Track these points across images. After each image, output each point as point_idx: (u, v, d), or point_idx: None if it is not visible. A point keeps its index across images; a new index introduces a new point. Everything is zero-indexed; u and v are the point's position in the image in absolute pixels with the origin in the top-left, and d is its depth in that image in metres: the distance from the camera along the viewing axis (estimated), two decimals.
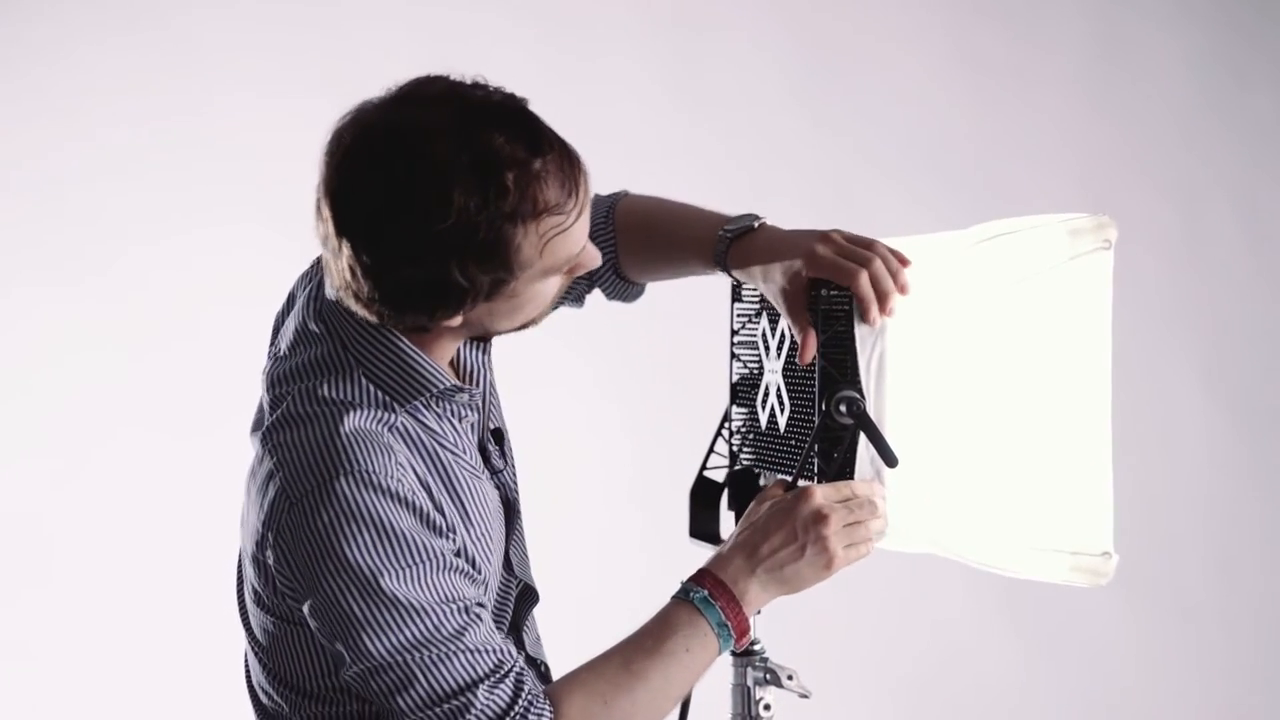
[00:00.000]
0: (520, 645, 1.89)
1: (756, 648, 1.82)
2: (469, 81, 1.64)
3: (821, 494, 1.68)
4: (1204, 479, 4.27)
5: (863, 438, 1.69)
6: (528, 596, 1.89)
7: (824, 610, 3.73)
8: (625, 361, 3.66)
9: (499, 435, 1.86)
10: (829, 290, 1.71)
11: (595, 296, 2.02)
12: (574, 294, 1.97)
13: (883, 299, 1.68)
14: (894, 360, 1.71)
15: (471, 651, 1.61)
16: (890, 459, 1.68)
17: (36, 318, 3.43)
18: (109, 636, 3.45)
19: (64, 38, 3.46)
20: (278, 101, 3.55)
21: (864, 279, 1.67)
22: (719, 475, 1.91)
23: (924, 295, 1.73)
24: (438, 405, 1.72)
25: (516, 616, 1.88)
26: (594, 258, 1.70)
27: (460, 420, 1.76)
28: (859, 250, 1.70)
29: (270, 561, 1.65)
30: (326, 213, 1.62)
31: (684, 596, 1.69)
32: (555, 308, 1.97)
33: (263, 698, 1.79)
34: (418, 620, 1.60)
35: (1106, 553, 1.81)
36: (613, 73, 3.79)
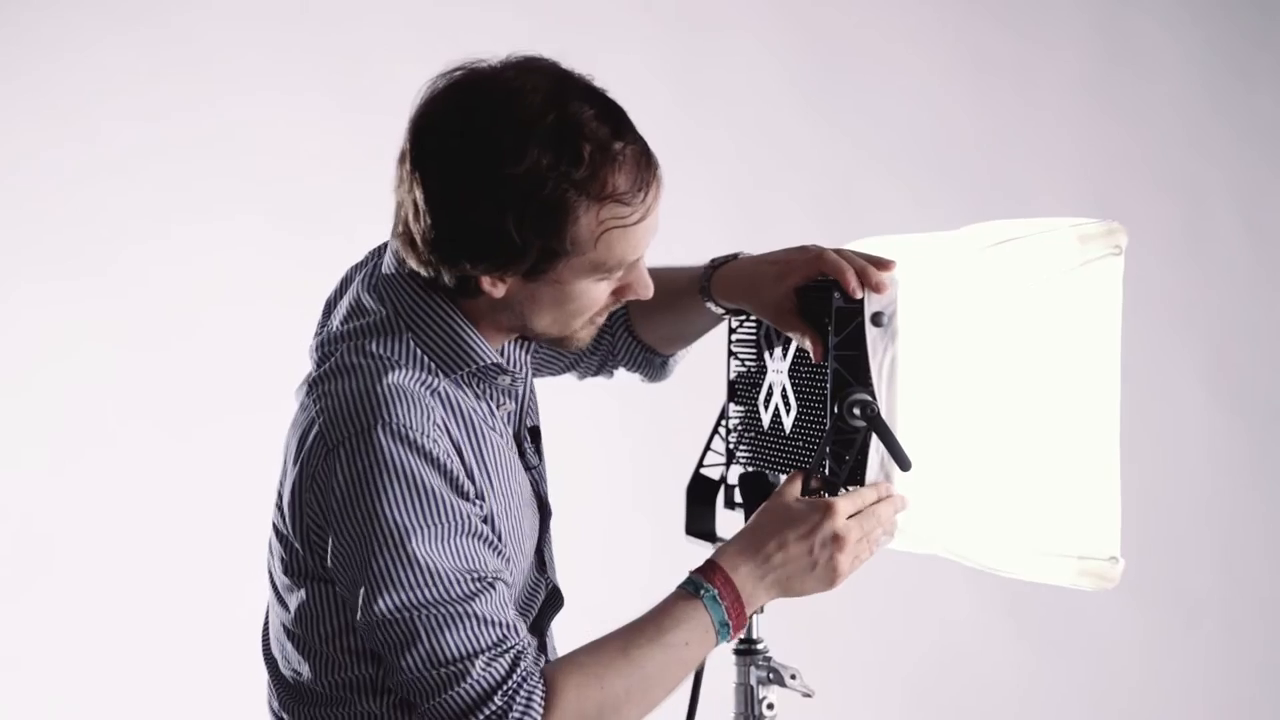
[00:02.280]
0: (543, 648, 1.89)
1: (760, 647, 1.81)
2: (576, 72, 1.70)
3: (843, 513, 1.68)
4: (1208, 480, 4.26)
5: (873, 440, 1.68)
6: (554, 600, 1.89)
7: (828, 610, 3.71)
8: None
9: (535, 433, 1.88)
10: (839, 292, 1.70)
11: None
12: (600, 357, 2.02)
13: (880, 266, 1.71)
14: (905, 363, 1.70)
15: (478, 620, 1.63)
16: (904, 462, 1.68)
17: (36, 316, 3.43)
18: (109, 634, 3.44)
19: (64, 37, 3.45)
20: (277, 99, 3.55)
21: (844, 256, 1.73)
22: (715, 473, 1.91)
23: (935, 299, 1.73)
24: (477, 385, 1.74)
25: (542, 619, 1.88)
26: (646, 285, 1.73)
27: (498, 407, 1.78)
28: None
29: (304, 505, 1.67)
30: (406, 147, 1.67)
31: (692, 590, 1.69)
32: (599, 367, 2.04)
33: (283, 668, 1.79)
34: (432, 582, 1.62)
35: (1113, 557, 1.80)
36: (615, 70, 3.76)
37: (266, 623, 1.85)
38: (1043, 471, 1.79)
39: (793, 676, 1.80)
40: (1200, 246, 4.28)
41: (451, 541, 1.63)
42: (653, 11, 3.87)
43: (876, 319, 1.70)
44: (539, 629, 1.88)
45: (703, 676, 1.80)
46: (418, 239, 1.66)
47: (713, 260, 1.89)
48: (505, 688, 1.62)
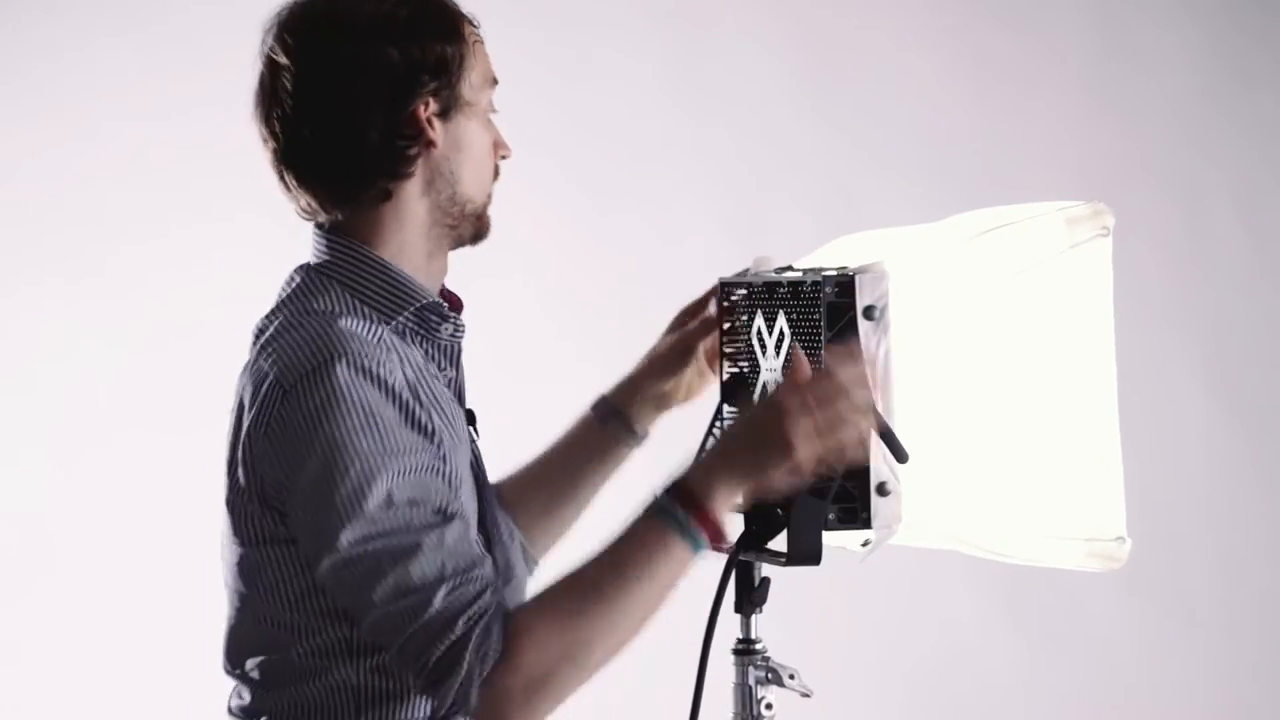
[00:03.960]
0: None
1: (758, 647, 1.81)
2: None
3: (782, 388, 1.65)
4: (1206, 477, 4.26)
5: (873, 435, 1.68)
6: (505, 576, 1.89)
7: (826, 609, 3.72)
8: (624, 359, 3.65)
9: (471, 417, 1.87)
10: (831, 289, 1.70)
11: None
12: None
13: None
14: (900, 356, 1.70)
15: (443, 549, 1.61)
16: (900, 455, 1.67)
17: (36, 316, 3.43)
18: (109, 634, 3.44)
19: (64, 38, 3.46)
20: None
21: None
22: None
23: (926, 291, 1.73)
24: (421, 343, 1.76)
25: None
26: (506, 141, 1.82)
27: (440, 370, 1.79)
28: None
29: (258, 458, 1.68)
30: (283, 62, 1.73)
31: (649, 505, 1.66)
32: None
33: (250, 664, 1.77)
34: (395, 511, 1.61)
35: (1120, 537, 1.80)
36: (615, 70, 3.78)
37: (228, 637, 1.81)
38: (1044, 456, 1.78)
39: (791, 676, 1.79)
40: (1199, 244, 4.27)
41: (411, 474, 1.62)
42: (651, 10, 3.87)
43: (869, 313, 1.69)
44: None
45: (705, 676, 1.79)
46: (310, 143, 1.73)
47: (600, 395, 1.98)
48: (468, 615, 1.59)
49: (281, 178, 1.80)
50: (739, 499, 1.67)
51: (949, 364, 1.74)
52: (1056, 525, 1.79)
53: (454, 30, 1.76)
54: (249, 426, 1.69)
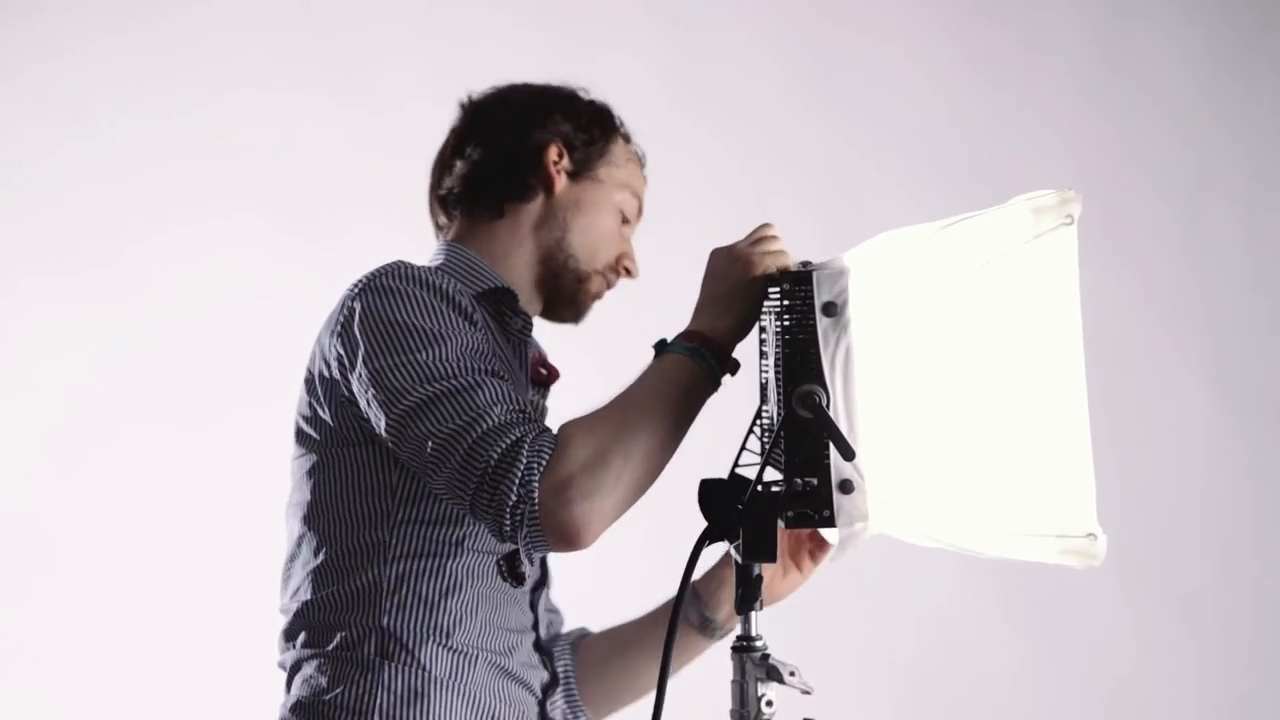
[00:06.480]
0: (535, 626, 1.94)
1: (758, 644, 1.80)
2: None
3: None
4: (1202, 472, 4.26)
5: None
6: (544, 577, 1.99)
7: (818, 603, 3.71)
8: (623, 365, 3.64)
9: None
10: (789, 285, 1.69)
11: None
12: None
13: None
14: (861, 353, 1.68)
15: (498, 389, 1.74)
16: (847, 453, 1.66)
17: (38, 314, 3.43)
18: (111, 634, 3.44)
19: (64, 36, 3.46)
20: (279, 98, 3.55)
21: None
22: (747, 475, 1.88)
23: (887, 285, 1.70)
24: (496, 333, 1.91)
25: (535, 593, 1.95)
26: (636, 261, 2.05)
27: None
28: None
29: (335, 357, 1.81)
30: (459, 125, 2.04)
31: (657, 351, 1.82)
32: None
33: (304, 579, 1.86)
34: (451, 364, 1.75)
35: (1091, 534, 1.75)
36: (613, 71, 3.77)
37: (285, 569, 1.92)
38: (1014, 451, 1.75)
39: (791, 673, 1.78)
40: (1198, 245, 4.27)
41: (467, 341, 1.78)
42: (650, 12, 3.87)
43: (828, 309, 1.67)
44: (534, 602, 1.94)
45: (669, 665, 1.78)
46: (469, 154, 1.99)
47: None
48: (524, 425, 1.72)
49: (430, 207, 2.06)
50: (729, 322, 1.79)
51: (916, 359, 1.71)
52: (1027, 521, 1.75)
53: (599, 115, 2.05)
54: (328, 330, 1.83)
